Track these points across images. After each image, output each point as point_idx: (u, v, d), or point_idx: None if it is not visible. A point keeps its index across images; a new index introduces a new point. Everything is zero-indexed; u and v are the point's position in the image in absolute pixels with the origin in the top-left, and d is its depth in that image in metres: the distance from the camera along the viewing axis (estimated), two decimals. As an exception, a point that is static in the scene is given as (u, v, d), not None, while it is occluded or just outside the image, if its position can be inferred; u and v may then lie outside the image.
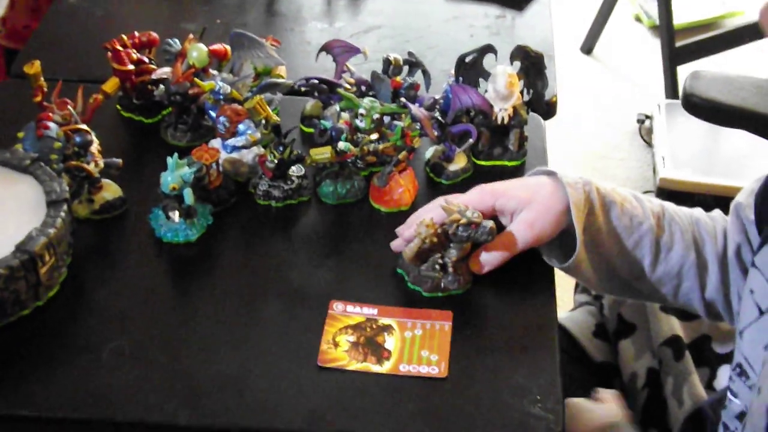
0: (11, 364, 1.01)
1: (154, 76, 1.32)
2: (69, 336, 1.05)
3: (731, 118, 1.64)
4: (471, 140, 1.27)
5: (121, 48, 1.32)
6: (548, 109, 1.37)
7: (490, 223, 1.08)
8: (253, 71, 1.33)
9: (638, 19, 3.55)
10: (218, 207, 1.21)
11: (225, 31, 1.49)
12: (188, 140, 1.32)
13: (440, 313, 1.10)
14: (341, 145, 1.20)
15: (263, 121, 1.25)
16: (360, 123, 1.22)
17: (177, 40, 1.35)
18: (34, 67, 1.19)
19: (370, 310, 1.10)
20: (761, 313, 1.01)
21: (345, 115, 1.26)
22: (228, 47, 1.35)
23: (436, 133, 1.26)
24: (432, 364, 1.04)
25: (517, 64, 1.32)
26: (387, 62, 1.33)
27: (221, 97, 1.24)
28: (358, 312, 1.10)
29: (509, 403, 0.99)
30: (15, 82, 1.45)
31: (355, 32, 1.63)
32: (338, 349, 1.05)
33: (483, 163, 1.33)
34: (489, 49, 1.31)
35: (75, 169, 1.16)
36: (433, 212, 1.13)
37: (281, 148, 1.21)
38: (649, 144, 2.93)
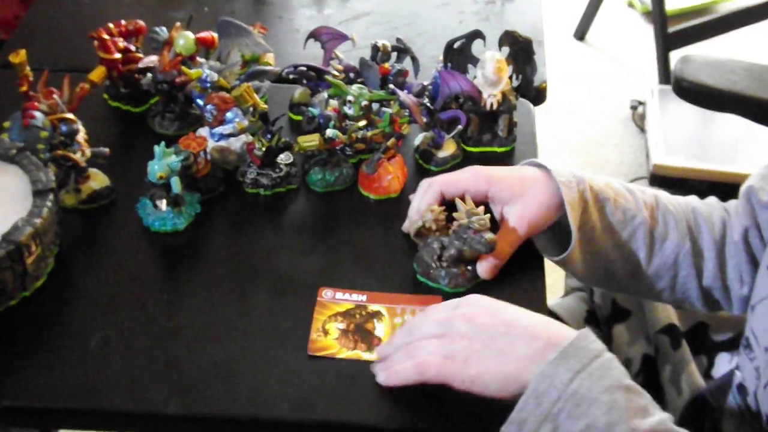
0: (-2, 355, 1.01)
1: (141, 65, 1.31)
2: (56, 326, 1.04)
3: (722, 103, 1.64)
4: (460, 126, 1.27)
5: (107, 37, 1.32)
6: (538, 95, 1.37)
7: (489, 236, 1.07)
8: (241, 59, 1.33)
9: (631, 5, 3.55)
10: (206, 195, 1.21)
11: (212, 19, 1.48)
12: (176, 129, 1.31)
13: (429, 298, 1.10)
14: (329, 132, 1.20)
15: (251, 109, 1.24)
16: (348, 110, 1.22)
17: (164, 29, 1.34)
18: (19, 57, 1.18)
19: (359, 297, 1.10)
20: None
21: (333, 102, 1.25)
22: (215, 35, 1.34)
23: (425, 120, 1.25)
24: None
25: (506, 49, 1.31)
26: (375, 49, 1.32)
27: (208, 85, 1.24)
28: (347, 299, 1.09)
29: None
30: (1, 72, 1.44)
31: (343, 19, 1.62)
32: (328, 337, 1.05)
33: (472, 149, 1.32)
34: (477, 34, 1.30)
35: (61, 158, 1.16)
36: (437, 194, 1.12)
37: (269, 136, 1.20)
38: (643, 130, 2.93)
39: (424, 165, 1.29)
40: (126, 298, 1.09)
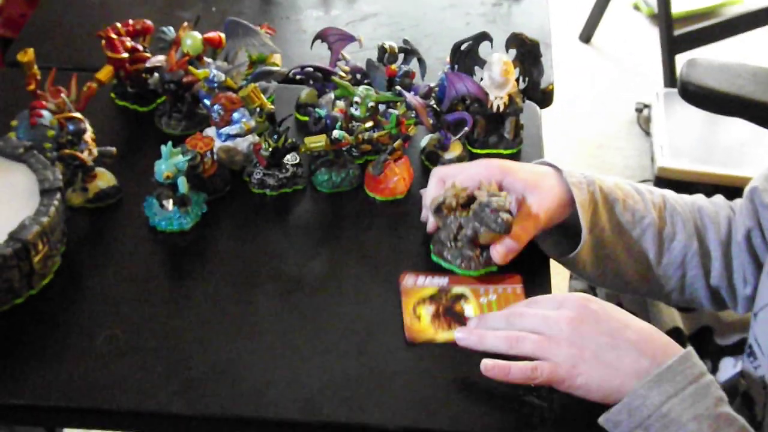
0: (4, 353, 1.01)
1: (148, 65, 1.31)
2: (63, 324, 1.05)
3: (727, 106, 1.63)
4: (466, 128, 1.27)
5: (115, 36, 1.32)
6: (544, 98, 1.37)
7: (506, 216, 1.06)
8: (248, 59, 1.33)
9: (637, 8, 3.54)
10: (212, 195, 1.21)
11: (220, 19, 1.48)
12: (182, 129, 1.31)
13: (510, 276, 1.12)
14: (336, 133, 1.20)
15: (258, 110, 1.25)
16: (355, 111, 1.22)
17: (171, 28, 1.34)
18: (27, 55, 1.18)
19: (441, 280, 1.11)
20: None
21: (340, 104, 1.25)
22: (222, 35, 1.34)
23: (431, 122, 1.25)
24: None
25: (513, 51, 1.32)
26: (382, 50, 1.33)
27: (216, 85, 1.24)
28: (429, 283, 1.11)
29: (504, 391, 0.99)
30: (9, 70, 1.44)
31: (350, 20, 1.62)
32: (422, 321, 1.06)
33: (478, 151, 1.32)
34: (484, 36, 1.30)
35: (69, 157, 1.16)
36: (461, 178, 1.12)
37: (276, 137, 1.20)
38: (648, 133, 2.92)
39: (430, 167, 1.29)
40: (132, 297, 1.09)
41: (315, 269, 1.14)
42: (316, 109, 1.27)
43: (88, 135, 1.18)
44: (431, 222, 1.14)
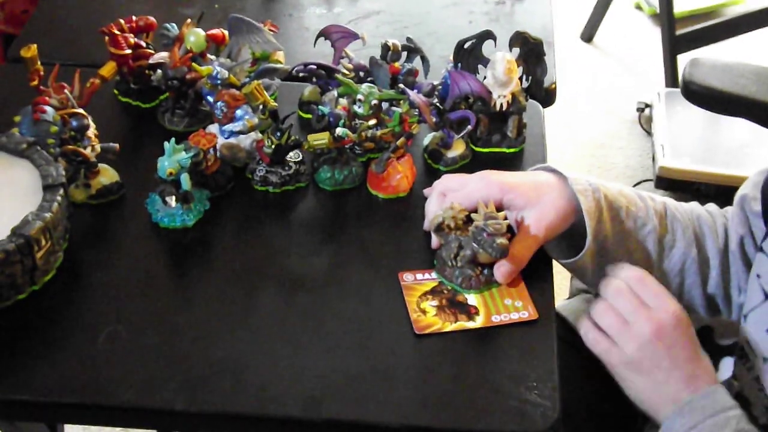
0: (7, 349, 1.01)
1: (151, 61, 1.31)
2: (65, 320, 1.05)
3: (730, 106, 1.64)
4: (470, 127, 1.27)
5: (118, 32, 1.32)
6: (547, 96, 1.37)
7: (502, 240, 1.07)
8: (251, 56, 1.33)
9: (639, 7, 3.54)
10: (215, 192, 1.21)
11: (223, 16, 1.49)
12: (185, 125, 1.31)
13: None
14: (339, 131, 1.20)
15: (261, 107, 1.24)
16: (358, 109, 1.22)
17: (174, 25, 1.34)
18: (30, 51, 1.18)
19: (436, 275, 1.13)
20: (766, 297, 1.02)
21: (343, 101, 1.25)
22: (226, 32, 1.34)
23: (434, 120, 1.25)
24: (520, 309, 1.08)
25: (516, 50, 1.31)
26: (385, 48, 1.32)
27: (219, 82, 1.23)
28: (428, 278, 1.12)
29: (506, 389, 0.99)
30: (12, 66, 1.44)
31: (353, 18, 1.62)
32: (428, 315, 1.07)
33: (481, 149, 1.32)
34: (488, 35, 1.30)
35: (72, 153, 1.16)
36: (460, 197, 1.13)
37: (279, 134, 1.20)
38: (649, 132, 2.92)
39: (433, 165, 1.29)
40: (135, 293, 1.09)
41: (317, 266, 1.14)
42: (319, 107, 1.27)
43: (91, 131, 1.18)
44: (434, 239, 1.14)
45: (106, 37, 1.32)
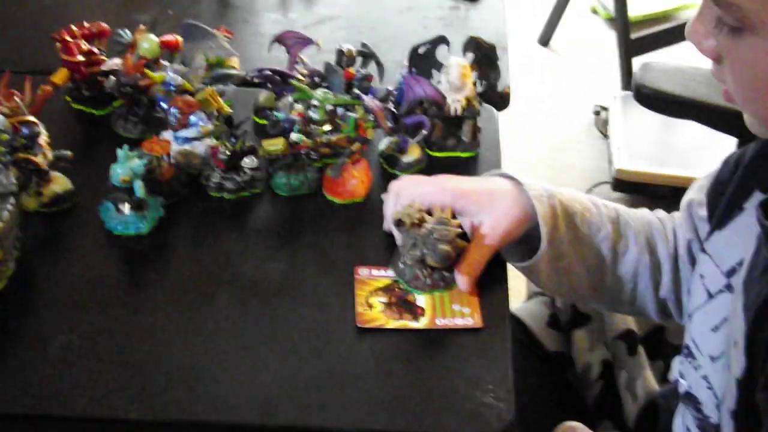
0: (-42, 360, 1.00)
1: (104, 68, 1.31)
2: (16, 330, 1.03)
3: (681, 109, 1.66)
4: (424, 131, 1.27)
5: (70, 39, 1.31)
6: (501, 100, 1.37)
7: (444, 247, 1.08)
8: (205, 62, 1.32)
9: (594, 12, 3.58)
10: (170, 199, 1.20)
11: (177, 22, 1.48)
12: (140, 132, 1.31)
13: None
14: (294, 136, 1.20)
15: (215, 113, 1.24)
16: (313, 114, 1.22)
17: (128, 31, 1.33)
18: (-20, 58, 1.17)
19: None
20: (710, 296, 1.03)
21: (298, 107, 1.25)
22: (179, 38, 1.34)
23: (389, 125, 1.25)
24: (466, 316, 1.08)
25: (470, 55, 1.32)
26: (340, 53, 1.33)
27: (173, 88, 1.23)
28: (383, 275, 1.13)
29: (462, 392, 1.00)
30: (-38, 73, 1.42)
31: (308, 23, 1.62)
32: (374, 310, 1.08)
33: (437, 154, 1.33)
34: (442, 40, 1.31)
35: (23, 161, 1.15)
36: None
37: (234, 140, 1.20)
38: (605, 135, 2.95)
39: (389, 169, 1.30)
40: (88, 302, 1.08)
41: (273, 272, 1.14)
42: (274, 113, 1.26)
43: (43, 138, 1.17)
44: (397, 235, 1.14)
45: (58, 44, 1.31)
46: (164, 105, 1.24)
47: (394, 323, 1.07)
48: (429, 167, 1.30)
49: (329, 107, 1.21)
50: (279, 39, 1.34)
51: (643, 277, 1.18)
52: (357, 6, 1.69)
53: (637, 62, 2.89)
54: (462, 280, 1.10)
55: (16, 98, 1.18)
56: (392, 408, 0.98)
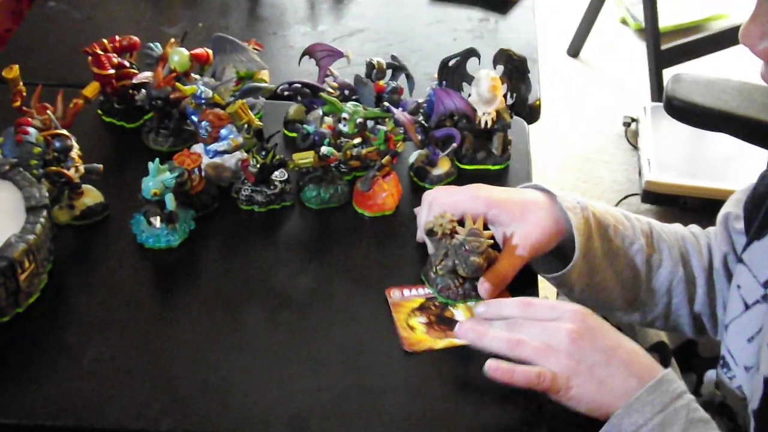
0: (-10, 372, 1.01)
1: (135, 81, 1.31)
2: (49, 343, 1.04)
3: (712, 121, 1.64)
4: (455, 144, 1.27)
5: (101, 52, 1.32)
6: (532, 113, 1.37)
7: (476, 259, 1.07)
8: (236, 75, 1.32)
9: (624, 22, 3.56)
10: (200, 212, 1.20)
11: (207, 35, 1.49)
12: (170, 145, 1.31)
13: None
14: (324, 149, 1.20)
15: (246, 126, 1.24)
16: (343, 127, 1.22)
17: (158, 44, 1.34)
18: (12, 72, 1.18)
19: (425, 290, 1.13)
20: (746, 307, 1.02)
21: (328, 120, 1.25)
22: (210, 51, 1.34)
23: (419, 137, 1.25)
24: None
25: (501, 67, 1.32)
26: (370, 66, 1.33)
27: (203, 101, 1.23)
28: (415, 294, 1.12)
29: (493, 408, 0.99)
30: (-5, 87, 1.44)
31: (338, 36, 1.62)
32: (417, 331, 1.07)
33: (467, 167, 1.33)
34: (472, 52, 1.30)
35: (55, 174, 1.15)
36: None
37: (264, 153, 1.20)
38: (635, 147, 2.93)
39: (418, 183, 1.29)
40: (119, 314, 1.08)
41: (303, 286, 1.13)
42: (304, 126, 1.27)
43: (75, 152, 1.18)
44: (429, 244, 1.14)
45: (90, 57, 1.31)
46: (195, 118, 1.24)
47: (441, 343, 1.06)
48: (459, 180, 1.30)
49: (359, 120, 1.21)
50: (309, 52, 1.34)
51: (678, 291, 1.17)
52: (386, 18, 1.69)
53: (667, 73, 2.88)
54: (484, 287, 1.09)
55: (48, 112, 1.18)
56: (422, 424, 0.98)
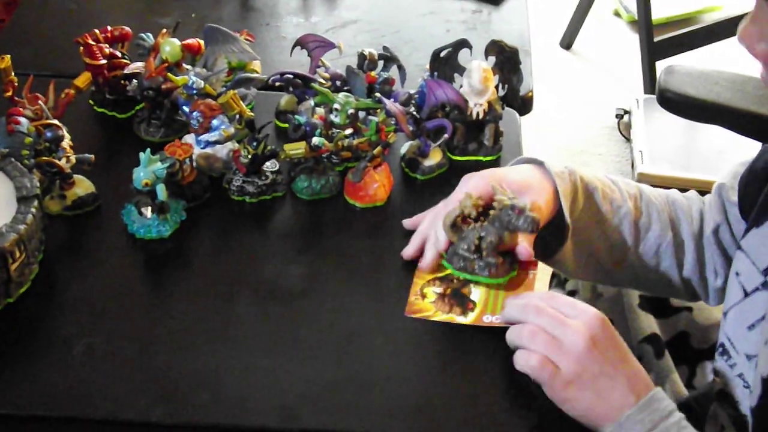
0: (-19, 362, 1.01)
1: (126, 71, 1.31)
2: (40, 333, 1.04)
3: (705, 114, 1.64)
4: (446, 135, 1.27)
5: (93, 42, 1.31)
6: (523, 104, 1.37)
7: (533, 214, 1.07)
8: (227, 66, 1.32)
9: (617, 14, 3.56)
10: (192, 203, 1.20)
11: (199, 26, 1.49)
12: (161, 135, 1.31)
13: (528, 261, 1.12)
14: (316, 140, 1.20)
15: (237, 117, 1.24)
16: (335, 118, 1.22)
17: (150, 35, 1.33)
18: (4, 62, 1.18)
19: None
20: (746, 294, 1.03)
21: (320, 110, 1.25)
22: (201, 42, 1.34)
23: (411, 129, 1.25)
24: None
25: (492, 59, 1.32)
26: (362, 57, 1.33)
27: (195, 92, 1.23)
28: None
29: (484, 398, 0.99)
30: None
31: (330, 27, 1.62)
32: (425, 300, 1.08)
33: (458, 158, 1.33)
34: (464, 43, 1.30)
35: (46, 164, 1.15)
36: (476, 188, 1.12)
37: (255, 144, 1.20)
38: (628, 139, 2.94)
39: (410, 174, 1.29)
40: (111, 304, 1.08)
41: (295, 276, 1.14)
42: (296, 116, 1.27)
43: (66, 142, 1.18)
44: (444, 239, 1.12)
45: (81, 48, 1.31)
46: (186, 108, 1.24)
47: (440, 316, 1.06)
48: (450, 171, 1.30)
49: (351, 111, 1.21)
50: (301, 42, 1.34)
51: (666, 255, 1.18)
52: (379, 9, 1.69)
53: (660, 65, 2.88)
54: (524, 246, 1.09)
55: (39, 102, 1.18)
56: (413, 413, 0.98)
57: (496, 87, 1.31)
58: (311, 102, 1.28)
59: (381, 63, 1.34)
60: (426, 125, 1.27)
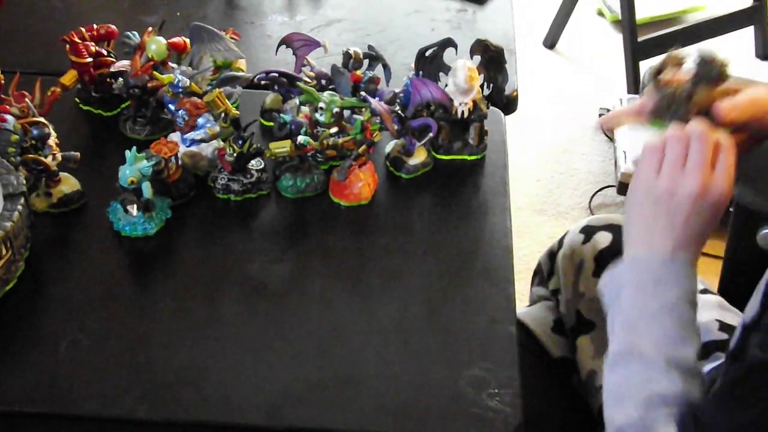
0: (-33, 359, 1.01)
1: (112, 69, 1.31)
2: (26, 330, 1.04)
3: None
4: (431, 134, 1.27)
5: (79, 40, 1.32)
6: (508, 104, 1.38)
7: (723, 59, 1.06)
8: (213, 64, 1.33)
9: (601, 14, 3.57)
10: (177, 201, 1.21)
11: (184, 24, 1.49)
12: (147, 133, 1.31)
13: None
14: (301, 138, 1.20)
15: (222, 115, 1.25)
16: (320, 117, 1.22)
17: (136, 33, 1.34)
18: (-10, 60, 1.18)
19: None
20: None
21: (305, 109, 1.26)
22: (187, 40, 1.35)
23: (396, 127, 1.26)
24: None
25: (477, 58, 1.33)
26: (347, 56, 1.33)
27: (180, 90, 1.24)
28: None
29: (468, 396, 1.00)
30: (-28, 74, 1.43)
31: (316, 26, 1.63)
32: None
33: (443, 157, 1.33)
34: (449, 43, 1.31)
35: (32, 162, 1.15)
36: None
37: (241, 142, 1.20)
38: (611, 139, 2.95)
39: (394, 172, 1.30)
40: (96, 302, 1.09)
41: (280, 274, 1.14)
42: (281, 115, 1.27)
43: (52, 140, 1.18)
44: (648, 98, 1.15)
45: (67, 46, 1.31)
46: (172, 107, 1.24)
47: None
48: (435, 170, 1.31)
49: (336, 110, 1.22)
50: (286, 41, 1.35)
51: None
52: (364, 8, 1.69)
53: (643, 65, 2.89)
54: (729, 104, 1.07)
55: (26, 99, 1.18)
56: (398, 411, 0.99)
57: (481, 86, 1.32)
58: (296, 101, 1.28)
59: (366, 62, 1.35)
60: (411, 124, 1.27)
